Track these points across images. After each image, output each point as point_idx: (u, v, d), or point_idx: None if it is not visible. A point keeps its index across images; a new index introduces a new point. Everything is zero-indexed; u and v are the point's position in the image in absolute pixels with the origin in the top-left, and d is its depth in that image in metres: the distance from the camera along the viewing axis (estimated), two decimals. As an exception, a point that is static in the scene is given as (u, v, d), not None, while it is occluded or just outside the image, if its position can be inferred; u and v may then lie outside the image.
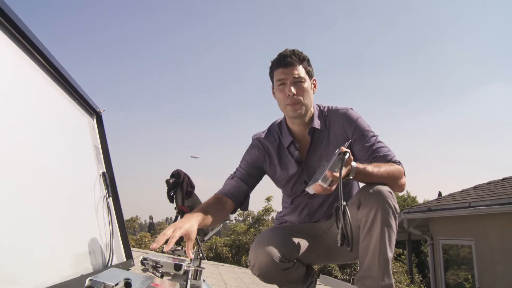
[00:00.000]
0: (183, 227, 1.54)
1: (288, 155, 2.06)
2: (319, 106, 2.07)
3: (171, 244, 1.40)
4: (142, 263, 1.25)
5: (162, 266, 1.24)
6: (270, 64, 2.03)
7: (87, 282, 0.73)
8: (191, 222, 1.63)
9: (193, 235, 1.58)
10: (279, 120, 2.15)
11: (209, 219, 1.78)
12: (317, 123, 2.00)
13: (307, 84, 1.94)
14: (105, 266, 1.94)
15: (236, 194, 2.01)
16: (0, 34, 1.40)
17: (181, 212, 5.21)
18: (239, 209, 2.06)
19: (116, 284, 0.72)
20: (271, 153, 2.09)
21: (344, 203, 1.45)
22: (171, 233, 1.47)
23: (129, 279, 0.73)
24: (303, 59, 1.95)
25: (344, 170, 1.54)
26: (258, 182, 2.13)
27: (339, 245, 1.44)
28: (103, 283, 0.72)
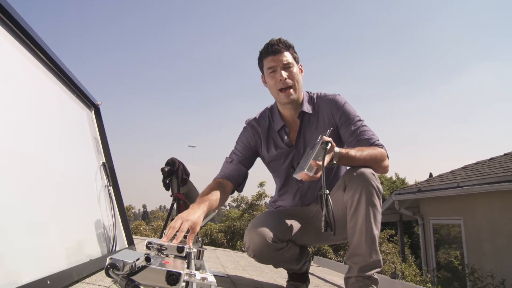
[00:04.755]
0: (190, 219, 1.60)
1: (278, 138, 2.17)
2: (308, 93, 2.17)
3: (180, 238, 1.46)
4: (147, 247, 1.34)
5: (166, 249, 1.34)
6: (258, 54, 2.14)
7: (108, 261, 0.83)
8: (198, 213, 1.70)
9: (198, 226, 1.64)
10: (271, 105, 2.25)
11: (213, 204, 1.88)
12: (306, 108, 2.10)
13: (296, 69, 2.05)
14: (110, 252, 2.04)
15: (236, 176, 2.12)
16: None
17: (177, 199, 5.31)
18: (236, 190, 2.17)
19: (137, 259, 0.83)
20: (261, 135, 2.20)
21: (327, 191, 1.54)
22: (179, 225, 1.53)
23: (148, 254, 0.84)
24: (289, 46, 2.06)
25: (328, 157, 1.64)
26: (253, 163, 2.24)
27: (323, 230, 1.54)
28: (122, 260, 0.83)
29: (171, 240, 1.44)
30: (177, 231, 1.50)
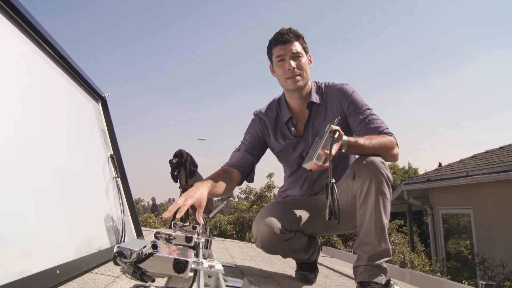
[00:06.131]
0: (194, 196, 1.63)
1: (286, 129, 2.17)
2: (316, 83, 2.17)
3: (182, 212, 1.50)
4: (156, 237, 1.35)
5: (174, 239, 1.34)
6: (268, 43, 2.13)
7: (115, 249, 0.84)
8: (201, 190, 1.72)
9: (204, 202, 1.67)
10: (278, 97, 2.25)
11: (218, 188, 1.88)
12: (315, 98, 2.09)
13: (305, 59, 2.05)
14: (119, 243, 2.06)
15: (243, 165, 2.12)
16: (7, 24, 1.44)
17: (185, 191, 5.32)
18: (245, 180, 2.16)
19: (144, 247, 0.83)
20: (268, 127, 2.20)
21: (333, 180, 1.54)
22: (183, 201, 1.58)
23: (155, 241, 0.84)
24: (299, 36, 2.06)
25: (336, 146, 1.63)
26: (262, 153, 2.24)
27: (326, 219, 1.53)
28: (129, 248, 0.83)
29: (174, 215, 1.46)
30: (180, 207, 1.54)
